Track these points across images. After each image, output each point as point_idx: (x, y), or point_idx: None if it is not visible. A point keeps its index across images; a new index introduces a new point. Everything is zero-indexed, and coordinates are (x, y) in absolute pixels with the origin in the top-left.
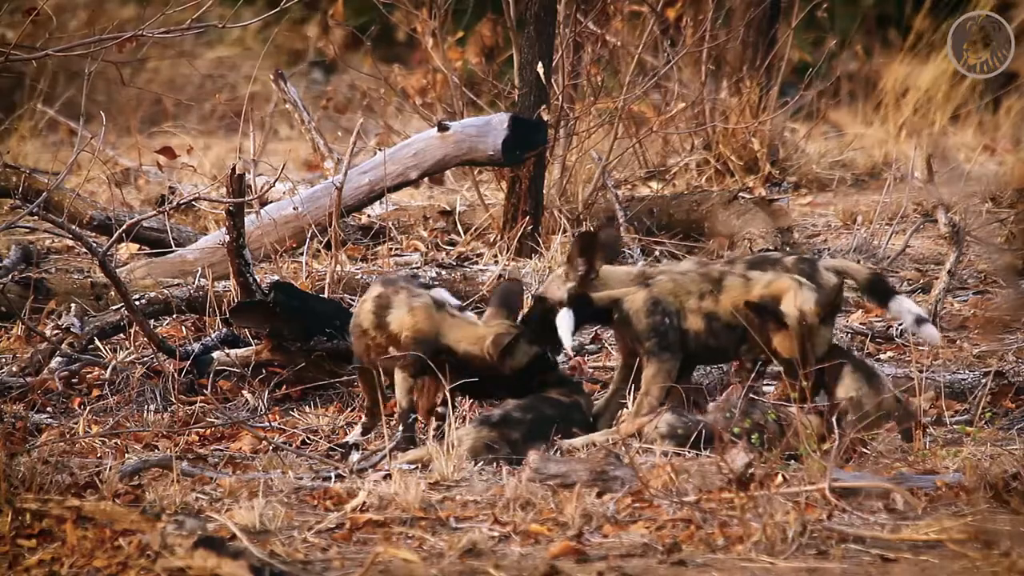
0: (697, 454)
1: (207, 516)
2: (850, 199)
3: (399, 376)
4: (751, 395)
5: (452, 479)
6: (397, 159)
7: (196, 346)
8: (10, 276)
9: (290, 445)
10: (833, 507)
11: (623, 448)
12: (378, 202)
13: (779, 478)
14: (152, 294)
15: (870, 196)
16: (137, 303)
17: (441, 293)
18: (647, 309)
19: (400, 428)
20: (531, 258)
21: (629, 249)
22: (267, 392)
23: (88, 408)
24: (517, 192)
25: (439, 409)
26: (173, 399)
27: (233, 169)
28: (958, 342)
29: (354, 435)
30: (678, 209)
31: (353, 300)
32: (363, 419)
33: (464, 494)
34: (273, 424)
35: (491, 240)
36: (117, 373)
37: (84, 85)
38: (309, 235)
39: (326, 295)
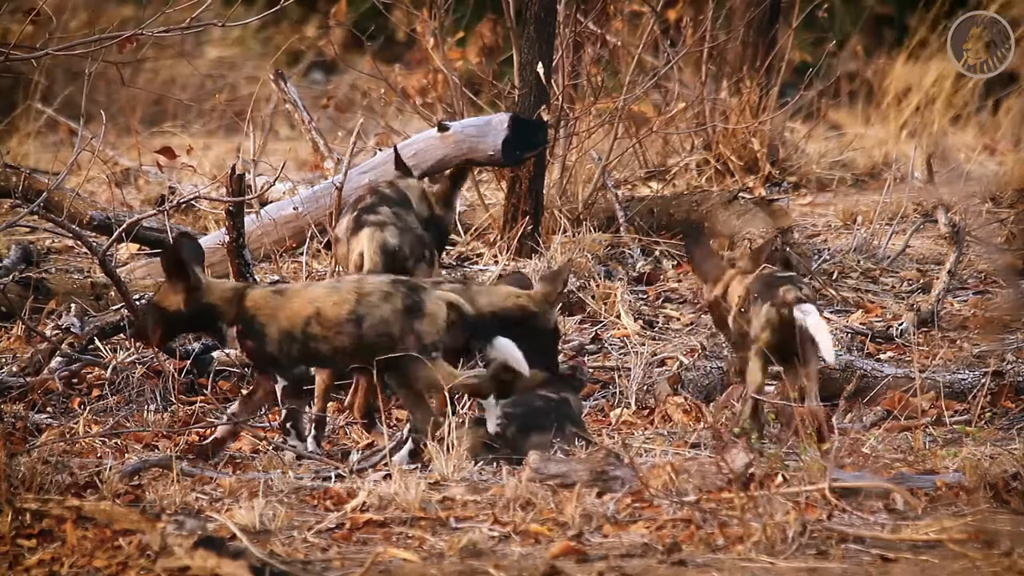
0: (697, 454)
1: (207, 516)
2: (850, 199)
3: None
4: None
5: (452, 479)
6: None
7: (196, 346)
8: (10, 276)
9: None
10: (833, 507)
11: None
12: None
13: (779, 478)
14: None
15: (870, 196)
16: (137, 303)
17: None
18: None
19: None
20: (531, 258)
21: (629, 249)
22: None
23: (88, 408)
24: (517, 192)
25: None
26: (173, 399)
27: (233, 169)
28: (958, 342)
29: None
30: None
31: None
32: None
33: (464, 494)
34: (273, 424)
35: (491, 240)
36: (117, 373)
37: (84, 85)
38: (309, 235)
39: None
